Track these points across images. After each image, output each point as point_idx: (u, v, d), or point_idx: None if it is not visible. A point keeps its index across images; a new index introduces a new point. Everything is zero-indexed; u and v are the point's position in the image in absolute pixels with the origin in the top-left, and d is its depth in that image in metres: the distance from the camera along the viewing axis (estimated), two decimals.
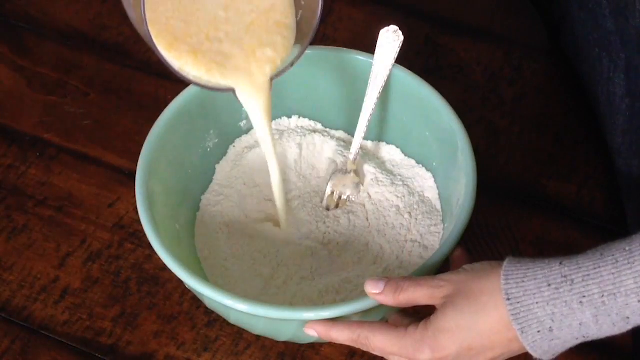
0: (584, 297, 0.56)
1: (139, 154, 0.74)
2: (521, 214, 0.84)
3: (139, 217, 0.70)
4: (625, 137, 0.80)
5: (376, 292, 0.63)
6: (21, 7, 1.02)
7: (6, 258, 0.82)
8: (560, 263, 0.58)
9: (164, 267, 0.69)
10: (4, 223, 0.84)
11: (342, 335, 0.65)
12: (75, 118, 0.92)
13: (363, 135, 0.79)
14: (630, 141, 0.80)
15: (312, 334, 0.66)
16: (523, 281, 0.58)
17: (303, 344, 0.76)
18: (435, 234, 0.76)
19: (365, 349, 0.65)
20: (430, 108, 0.77)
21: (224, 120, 0.82)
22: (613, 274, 0.55)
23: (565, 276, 0.57)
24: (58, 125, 0.92)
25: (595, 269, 0.56)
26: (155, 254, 0.69)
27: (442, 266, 0.70)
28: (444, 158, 0.77)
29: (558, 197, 0.86)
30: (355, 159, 0.80)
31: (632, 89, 0.79)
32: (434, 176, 0.79)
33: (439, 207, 0.78)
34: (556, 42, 0.95)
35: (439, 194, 0.79)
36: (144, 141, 0.75)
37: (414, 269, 0.72)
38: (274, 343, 0.76)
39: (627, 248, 0.56)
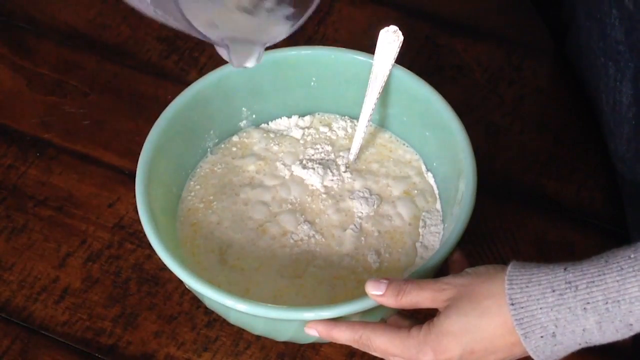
0: (588, 303, 0.56)
1: (139, 154, 0.74)
2: (521, 214, 0.84)
3: (139, 217, 0.70)
4: (630, 145, 0.80)
5: (377, 294, 0.63)
6: (21, 7, 1.02)
7: (6, 258, 0.82)
8: (565, 269, 0.58)
9: (164, 267, 0.69)
10: (4, 223, 0.84)
11: (343, 336, 0.65)
12: (75, 118, 0.92)
13: (363, 135, 0.79)
14: (635, 149, 0.80)
15: (313, 333, 0.66)
16: (527, 286, 0.58)
17: (303, 344, 0.76)
18: (435, 234, 0.76)
19: (366, 350, 0.65)
20: (430, 108, 0.77)
21: (224, 120, 0.82)
22: (617, 281, 0.55)
23: (569, 282, 0.57)
24: (58, 125, 0.92)
25: (599, 275, 0.56)
26: (155, 254, 0.69)
27: (441, 267, 0.70)
28: (444, 158, 0.77)
29: (558, 197, 0.86)
30: (355, 159, 0.80)
31: (639, 97, 0.79)
32: (434, 176, 0.79)
33: (439, 207, 0.78)
34: (561, 49, 0.95)
35: (439, 194, 0.79)
36: (144, 141, 0.75)
37: (414, 269, 0.72)
38: (274, 343, 0.76)
39: (632, 255, 0.56)
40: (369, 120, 0.79)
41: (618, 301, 0.55)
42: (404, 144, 0.82)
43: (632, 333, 0.57)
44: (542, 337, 0.57)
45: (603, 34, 0.82)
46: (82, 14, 1.01)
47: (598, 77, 0.84)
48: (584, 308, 0.56)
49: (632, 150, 0.80)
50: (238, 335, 0.77)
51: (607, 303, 0.56)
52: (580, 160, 0.88)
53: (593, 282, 0.56)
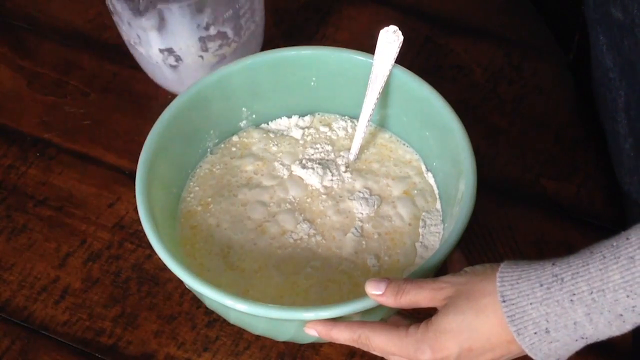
0: (574, 294, 0.56)
1: (139, 154, 0.74)
2: (521, 214, 0.84)
3: (139, 217, 0.70)
4: (632, 178, 0.80)
5: (377, 294, 0.63)
6: (21, 7, 1.02)
7: (6, 258, 0.82)
8: (553, 263, 0.58)
9: (164, 267, 0.69)
10: (4, 223, 0.85)
11: (342, 335, 0.65)
12: (75, 118, 0.92)
13: (363, 135, 0.79)
14: (637, 182, 0.79)
15: (313, 333, 0.66)
16: (517, 282, 0.58)
17: (303, 344, 0.76)
18: (435, 234, 0.76)
19: (365, 349, 0.65)
20: (430, 108, 0.77)
21: (224, 120, 0.82)
22: (600, 270, 0.55)
23: (555, 275, 0.57)
24: (58, 125, 0.92)
25: (583, 266, 0.56)
26: (155, 254, 0.69)
27: (441, 266, 0.70)
28: (444, 158, 0.77)
29: (558, 197, 0.86)
30: (355, 159, 0.80)
31: (634, 127, 0.79)
32: (434, 176, 0.79)
33: (439, 207, 0.78)
34: (569, 63, 0.96)
35: (439, 194, 0.79)
36: (144, 141, 0.75)
37: (414, 268, 0.72)
38: (274, 343, 0.76)
39: (614, 244, 0.56)
40: (368, 120, 0.79)
41: (603, 290, 0.55)
42: (404, 144, 0.82)
43: (628, 326, 0.56)
44: (535, 333, 0.57)
45: (597, 63, 0.82)
46: (82, 14, 1.01)
47: (600, 109, 0.84)
48: (571, 300, 0.56)
49: (635, 183, 0.80)
50: (238, 335, 0.77)
51: (592, 293, 0.55)
52: (580, 160, 0.88)
53: (578, 273, 0.56)
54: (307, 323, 0.66)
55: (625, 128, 0.80)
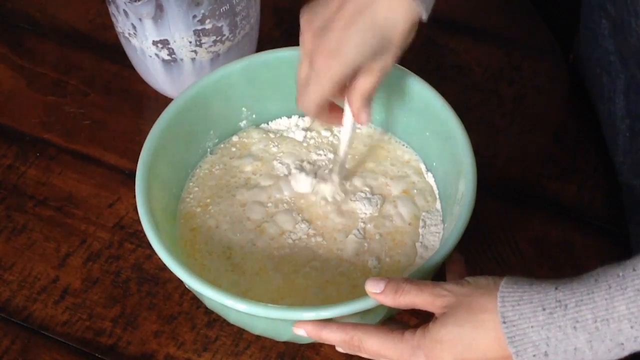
0: (578, 322, 0.56)
1: (139, 154, 0.74)
2: (521, 214, 0.84)
3: (139, 217, 0.70)
4: (626, 158, 0.80)
5: (376, 292, 0.63)
6: (21, 7, 1.02)
7: (6, 258, 0.82)
8: (556, 288, 0.58)
9: (164, 267, 0.69)
10: (4, 223, 0.85)
11: (333, 336, 0.64)
12: (75, 118, 0.92)
13: (349, 136, 0.78)
14: (631, 162, 0.79)
15: (302, 333, 0.65)
16: (519, 304, 0.58)
17: (303, 344, 0.76)
18: (435, 234, 0.76)
19: (356, 352, 0.64)
20: (430, 108, 0.77)
21: (223, 120, 0.82)
22: (606, 299, 0.55)
23: (559, 301, 0.57)
24: (58, 125, 0.92)
25: (588, 294, 0.56)
26: (155, 254, 0.69)
27: (441, 267, 0.70)
28: (444, 158, 0.77)
29: (558, 197, 0.86)
30: (346, 163, 0.80)
31: (631, 109, 0.79)
32: (434, 176, 0.79)
33: (439, 207, 0.78)
34: (567, 56, 0.95)
35: (439, 194, 0.79)
36: (144, 141, 0.75)
37: (414, 269, 0.72)
38: (274, 343, 0.76)
39: (620, 274, 0.56)
40: (353, 122, 0.77)
41: (607, 320, 0.55)
42: (403, 145, 0.82)
43: (625, 353, 0.56)
44: (534, 355, 0.57)
45: (596, 44, 0.82)
46: (82, 14, 1.01)
47: (596, 89, 0.84)
48: (574, 327, 0.56)
49: (628, 162, 0.80)
50: (238, 335, 0.77)
51: (596, 322, 0.55)
52: (580, 160, 0.88)
53: (582, 300, 0.56)
54: (296, 323, 0.65)
55: (622, 110, 0.80)
